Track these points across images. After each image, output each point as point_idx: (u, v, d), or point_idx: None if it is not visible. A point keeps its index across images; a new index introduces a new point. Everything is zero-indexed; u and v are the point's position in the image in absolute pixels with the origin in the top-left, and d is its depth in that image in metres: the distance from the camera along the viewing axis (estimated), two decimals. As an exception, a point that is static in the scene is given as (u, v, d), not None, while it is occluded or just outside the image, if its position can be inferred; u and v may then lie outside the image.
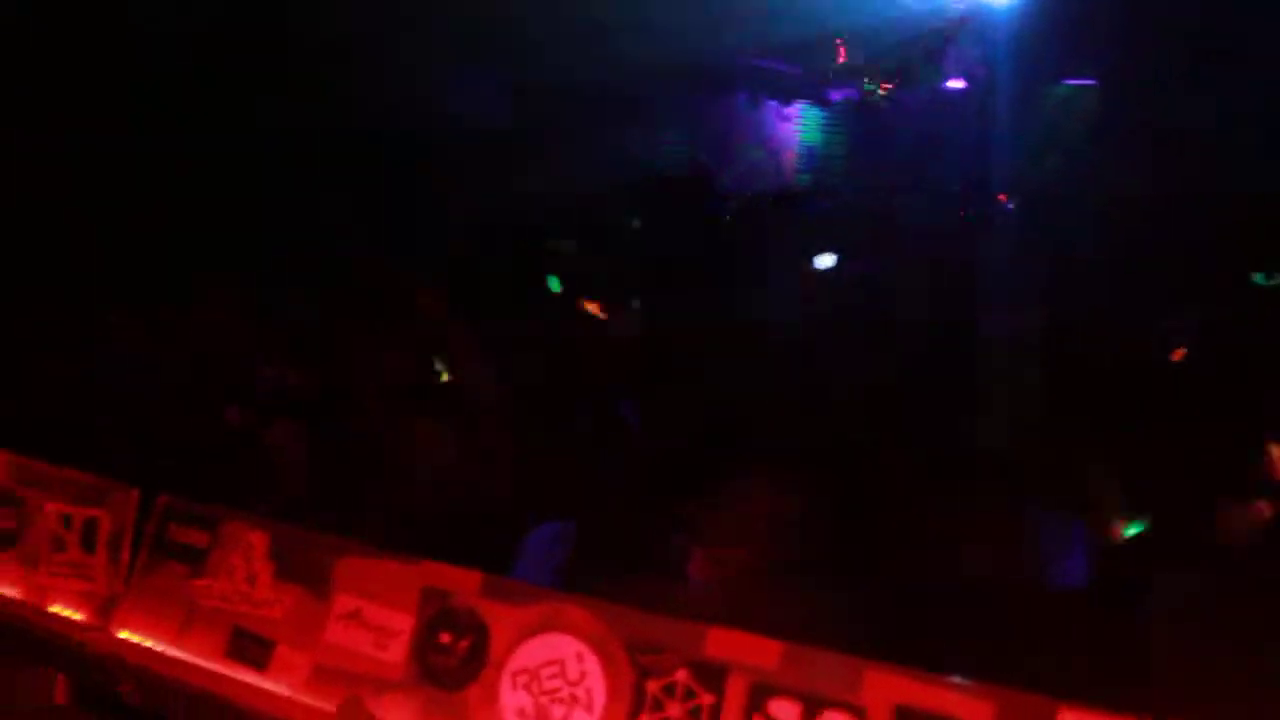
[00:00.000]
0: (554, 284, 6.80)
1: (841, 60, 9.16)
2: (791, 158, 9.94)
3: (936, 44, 9.06)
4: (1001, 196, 7.80)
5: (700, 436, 4.22)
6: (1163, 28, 7.54)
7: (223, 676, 2.99)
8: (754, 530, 3.35)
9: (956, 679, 2.16)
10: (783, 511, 3.39)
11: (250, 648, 3.02)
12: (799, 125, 9.91)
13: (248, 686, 2.93)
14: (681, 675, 2.42)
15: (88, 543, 3.33)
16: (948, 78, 9.19)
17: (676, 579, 3.39)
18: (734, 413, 4.52)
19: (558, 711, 2.54)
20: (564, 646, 2.59)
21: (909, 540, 3.68)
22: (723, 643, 2.41)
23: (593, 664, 2.53)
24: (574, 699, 2.53)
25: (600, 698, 2.50)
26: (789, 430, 4.04)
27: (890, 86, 9.41)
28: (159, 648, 3.12)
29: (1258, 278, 4.94)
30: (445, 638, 2.77)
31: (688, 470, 3.85)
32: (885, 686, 2.22)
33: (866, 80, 9.44)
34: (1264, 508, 3.39)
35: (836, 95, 9.77)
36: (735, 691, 2.35)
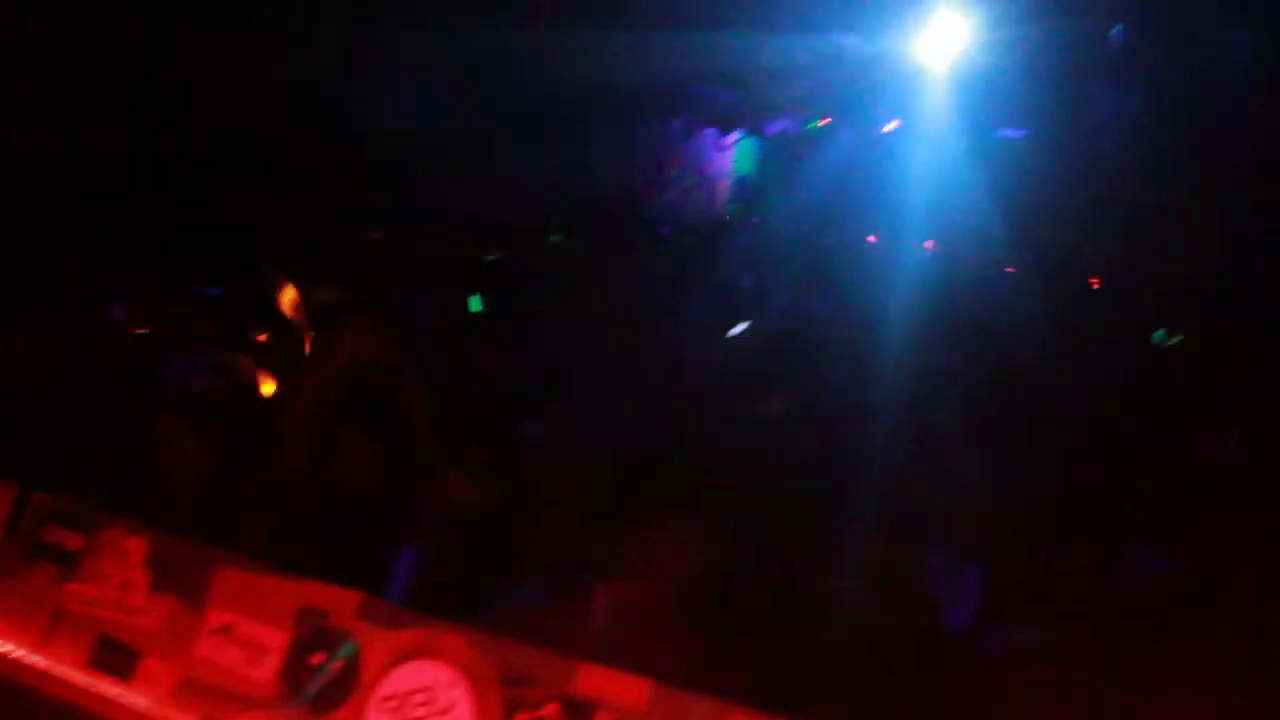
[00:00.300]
0: (475, 304, 6.69)
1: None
2: (724, 187, 9.93)
3: (875, 84, 9.11)
4: (928, 243, 7.82)
5: (613, 472, 4.17)
6: (1098, 79, 7.62)
7: (83, 686, 2.89)
8: (659, 570, 3.31)
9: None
10: (687, 554, 3.35)
11: (116, 657, 2.92)
12: (734, 155, 9.92)
13: (107, 698, 2.84)
14: (550, 710, 2.37)
15: (-45, 539, 3.22)
16: (885, 119, 9.24)
17: (574, 613, 3.33)
18: (648, 449, 4.47)
19: (423, 739, 2.48)
20: (435, 673, 2.53)
21: (805, 585, 3.66)
22: (593, 680, 2.36)
23: (462, 692, 2.48)
24: (440, 728, 2.47)
25: (466, 728, 2.44)
26: (700, 471, 3.99)
27: (827, 123, 9.44)
28: (18, 653, 3.01)
29: (1156, 336, 4.91)
30: (318, 658, 2.70)
31: (598, 506, 3.81)
32: (751, 732, 2.18)
33: (804, 115, 9.46)
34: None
35: (773, 128, 9.78)
36: (601, 729, 2.31)
